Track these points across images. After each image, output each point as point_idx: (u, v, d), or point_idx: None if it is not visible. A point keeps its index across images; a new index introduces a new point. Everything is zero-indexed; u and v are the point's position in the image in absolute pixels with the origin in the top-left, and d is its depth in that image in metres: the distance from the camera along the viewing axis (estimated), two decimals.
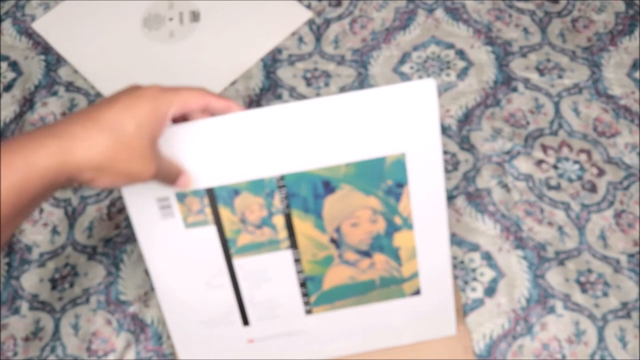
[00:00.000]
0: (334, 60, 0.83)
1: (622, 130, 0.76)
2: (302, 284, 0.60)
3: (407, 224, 0.58)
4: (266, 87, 0.82)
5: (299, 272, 0.59)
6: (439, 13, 0.86)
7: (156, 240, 0.57)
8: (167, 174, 0.52)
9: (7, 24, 0.89)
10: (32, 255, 0.73)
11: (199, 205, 0.55)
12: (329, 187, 0.56)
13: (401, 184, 0.56)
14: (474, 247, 0.71)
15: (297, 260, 0.59)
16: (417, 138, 0.54)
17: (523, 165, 0.75)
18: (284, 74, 0.83)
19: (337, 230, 0.58)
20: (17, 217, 0.43)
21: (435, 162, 0.56)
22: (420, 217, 0.58)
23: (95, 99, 0.82)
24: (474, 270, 0.70)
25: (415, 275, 0.61)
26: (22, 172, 0.41)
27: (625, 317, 0.66)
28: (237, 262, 0.58)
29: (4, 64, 0.86)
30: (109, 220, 0.75)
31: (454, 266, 0.70)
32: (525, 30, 0.84)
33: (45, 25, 0.89)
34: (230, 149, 0.54)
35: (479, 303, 0.68)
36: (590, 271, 0.69)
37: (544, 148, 0.76)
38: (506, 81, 0.81)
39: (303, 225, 0.57)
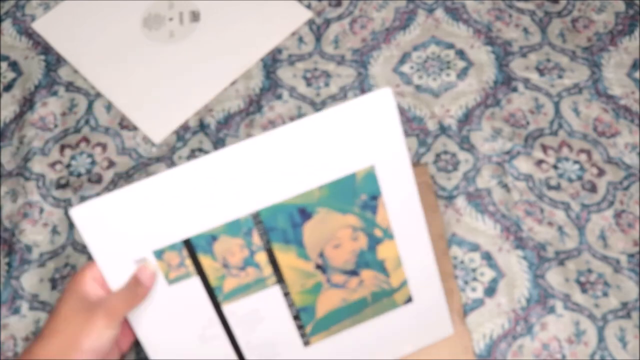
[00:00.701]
0: (334, 60, 0.83)
1: (622, 130, 0.76)
2: (296, 317, 0.59)
3: (388, 234, 0.58)
4: (266, 87, 0.82)
5: (290, 305, 0.58)
6: (439, 13, 0.86)
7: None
8: (128, 300, 0.53)
9: (7, 24, 0.89)
10: (32, 255, 0.73)
11: (178, 259, 0.54)
12: (305, 213, 0.55)
13: (375, 196, 0.56)
14: (474, 247, 0.71)
15: (287, 294, 0.58)
16: (383, 148, 0.55)
17: (523, 165, 0.75)
18: (284, 74, 0.83)
19: (321, 255, 0.57)
20: None
21: (404, 167, 0.56)
22: (399, 225, 0.58)
23: (95, 99, 0.82)
24: (474, 270, 0.70)
25: (404, 284, 0.60)
26: None
27: (625, 317, 0.66)
28: (227, 308, 0.57)
29: (4, 64, 0.86)
30: None
31: (454, 266, 0.70)
32: (525, 30, 0.84)
33: (45, 25, 0.89)
34: (200, 195, 0.52)
35: (479, 303, 0.68)
36: (590, 271, 0.69)
37: (544, 148, 0.76)
38: (506, 81, 0.81)
39: (286, 258, 0.56)
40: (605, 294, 0.68)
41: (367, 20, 0.86)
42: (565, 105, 0.79)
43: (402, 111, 0.80)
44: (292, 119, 0.80)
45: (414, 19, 0.86)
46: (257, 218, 0.54)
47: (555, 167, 0.75)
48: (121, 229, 0.53)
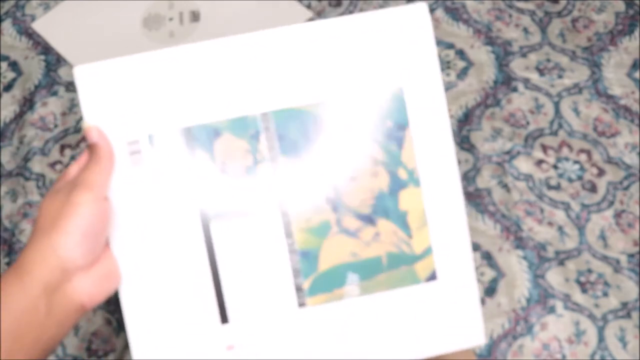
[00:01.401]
0: None
1: (622, 130, 0.76)
2: (294, 261, 0.49)
3: (414, 179, 0.49)
4: None
5: (291, 243, 0.49)
6: (439, 13, 0.86)
7: (125, 188, 0.48)
8: (94, 167, 0.46)
9: (7, 24, 0.89)
10: None
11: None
12: (321, 125, 0.49)
13: (402, 125, 0.49)
14: (474, 247, 0.71)
15: (288, 225, 0.49)
16: (415, 69, 0.48)
17: (523, 165, 0.75)
18: None
19: (334, 187, 0.49)
20: None
21: (437, 100, 0.49)
22: (427, 170, 0.50)
23: None
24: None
25: (428, 252, 0.50)
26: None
27: (625, 317, 0.66)
28: (215, 225, 0.48)
29: (4, 64, 0.86)
30: None
31: None
32: (525, 30, 0.84)
33: (45, 25, 0.89)
34: (208, 80, 0.47)
35: None
36: (590, 271, 0.69)
37: (544, 148, 0.76)
38: (506, 81, 0.81)
39: (294, 177, 0.48)
40: (605, 294, 0.68)
41: None
42: (565, 105, 0.79)
43: None
44: None
45: None
46: (267, 120, 0.48)
47: (555, 167, 0.75)
48: (120, 102, 0.48)
